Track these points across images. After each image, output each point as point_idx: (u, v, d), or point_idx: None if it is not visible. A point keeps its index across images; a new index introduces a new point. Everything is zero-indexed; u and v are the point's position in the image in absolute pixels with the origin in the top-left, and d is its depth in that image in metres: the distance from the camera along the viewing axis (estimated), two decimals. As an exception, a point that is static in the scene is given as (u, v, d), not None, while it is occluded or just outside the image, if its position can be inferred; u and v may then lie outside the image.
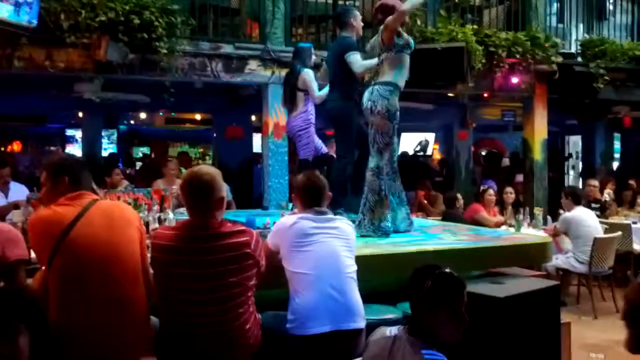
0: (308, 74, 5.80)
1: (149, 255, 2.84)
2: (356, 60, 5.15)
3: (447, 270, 2.48)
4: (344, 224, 3.36)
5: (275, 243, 3.25)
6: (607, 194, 8.39)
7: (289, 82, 6.02)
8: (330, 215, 3.35)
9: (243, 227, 2.85)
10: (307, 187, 3.38)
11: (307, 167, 5.94)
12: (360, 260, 3.42)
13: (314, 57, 6.17)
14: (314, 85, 5.80)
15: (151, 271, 2.81)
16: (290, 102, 6.02)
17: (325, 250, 3.16)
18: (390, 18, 4.54)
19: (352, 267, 3.23)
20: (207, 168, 2.89)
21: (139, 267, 2.74)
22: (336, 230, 3.27)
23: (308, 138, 5.95)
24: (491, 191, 8.17)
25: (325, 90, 5.68)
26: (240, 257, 2.73)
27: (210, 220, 2.76)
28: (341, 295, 3.10)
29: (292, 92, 5.95)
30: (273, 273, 3.18)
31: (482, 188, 8.67)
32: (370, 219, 4.59)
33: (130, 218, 2.79)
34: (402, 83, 4.64)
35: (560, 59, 8.61)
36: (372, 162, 4.65)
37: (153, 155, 12.89)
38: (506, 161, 13.15)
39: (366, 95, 4.63)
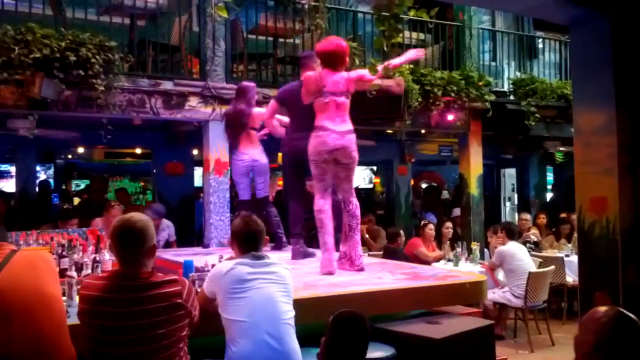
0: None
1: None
2: None
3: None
4: (281, 268, 3.32)
5: (211, 290, 3.18)
6: (533, 234, 8.60)
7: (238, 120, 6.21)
8: (268, 260, 3.30)
9: (174, 277, 2.77)
10: (244, 232, 3.32)
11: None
12: (298, 303, 3.38)
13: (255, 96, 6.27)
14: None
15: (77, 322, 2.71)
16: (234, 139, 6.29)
17: (262, 297, 3.11)
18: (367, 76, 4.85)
19: (289, 313, 3.19)
20: (139, 216, 2.81)
21: (65, 317, 2.66)
22: (274, 276, 3.22)
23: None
24: (431, 226, 8.32)
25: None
26: (171, 307, 2.66)
27: (140, 269, 2.68)
28: (278, 343, 3.05)
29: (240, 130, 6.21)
30: (210, 320, 3.12)
31: (422, 222, 8.81)
32: None
33: (53, 269, 2.72)
34: None
35: (493, 97, 8.91)
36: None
37: (92, 190, 12.53)
38: (445, 194, 13.42)
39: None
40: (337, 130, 4.74)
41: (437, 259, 7.76)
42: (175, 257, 5.81)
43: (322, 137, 4.74)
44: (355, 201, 4.94)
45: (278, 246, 6.32)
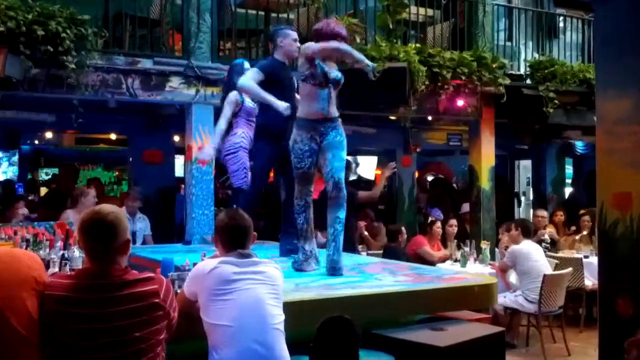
0: (228, 98, 6.05)
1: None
2: (245, 76, 5.39)
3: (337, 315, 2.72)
4: (270, 267, 3.33)
5: (193, 291, 3.19)
6: (548, 234, 8.62)
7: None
8: (256, 259, 3.31)
9: (151, 275, 2.77)
10: (229, 227, 3.33)
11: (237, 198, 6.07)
12: (289, 306, 3.40)
13: None
14: (226, 111, 6.04)
15: None
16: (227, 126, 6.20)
17: (249, 299, 3.12)
18: (313, 45, 4.71)
19: (279, 317, 3.20)
20: (110, 207, 2.80)
21: (25, 332, 2.56)
22: (262, 276, 3.23)
23: (236, 164, 6.07)
24: (439, 223, 8.36)
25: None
26: (147, 308, 2.66)
27: (111, 266, 2.68)
28: (266, 350, 3.06)
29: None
30: (191, 324, 3.13)
31: (430, 219, 8.84)
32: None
33: (22, 273, 2.62)
34: (305, 116, 4.87)
35: (507, 81, 8.90)
36: None
37: (61, 180, 12.56)
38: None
39: None
40: None
41: (443, 259, 7.79)
42: (153, 254, 5.82)
43: None
44: None
45: None
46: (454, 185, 13.82)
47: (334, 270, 4.70)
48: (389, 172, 7.92)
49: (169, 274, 3.71)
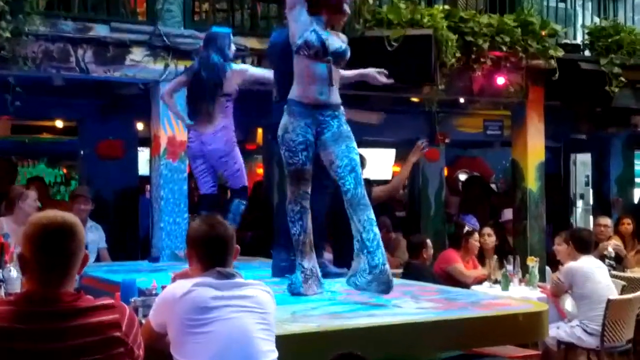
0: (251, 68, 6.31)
1: None
2: None
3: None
4: (259, 291, 3.33)
5: (161, 322, 3.19)
6: (613, 247, 8.57)
7: (207, 83, 6.11)
8: (240, 280, 3.30)
9: (109, 301, 2.77)
10: (207, 239, 3.32)
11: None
12: (283, 340, 3.41)
13: (233, 47, 6.26)
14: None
15: None
16: (206, 113, 6.16)
17: (232, 331, 3.12)
18: None
19: (270, 354, 3.21)
20: (63, 214, 2.80)
21: None
22: (248, 301, 3.24)
23: (237, 164, 6.30)
24: (477, 235, 8.37)
25: None
26: (106, 343, 2.65)
27: (61, 289, 2.67)
28: (254, 396, 3.08)
29: (211, 98, 6.10)
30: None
31: (465, 229, 8.82)
32: None
33: None
34: (298, 98, 4.88)
35: (561, 53, 8.90)
36: None
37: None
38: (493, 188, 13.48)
39: None
40: None
41: (479, 280, 7.79)
42: (110, 274, 5.81)
43: None
44: None
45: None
46: (493, 186, 13.84)
47: (389, 286, 4.70)
48: (417, 156, 7.46)
49: (131, 300, 3.71)
